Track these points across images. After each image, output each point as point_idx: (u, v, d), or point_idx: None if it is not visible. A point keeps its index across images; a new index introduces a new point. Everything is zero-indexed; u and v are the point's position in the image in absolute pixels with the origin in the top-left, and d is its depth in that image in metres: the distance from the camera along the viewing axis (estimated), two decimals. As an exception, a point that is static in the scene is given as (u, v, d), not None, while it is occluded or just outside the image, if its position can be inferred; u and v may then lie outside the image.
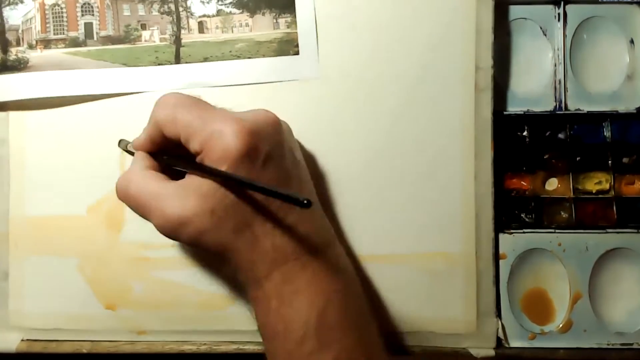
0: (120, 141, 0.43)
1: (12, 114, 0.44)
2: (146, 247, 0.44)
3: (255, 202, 0.34)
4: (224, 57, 0.44)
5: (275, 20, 0.45)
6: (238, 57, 0.44)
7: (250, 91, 0.44)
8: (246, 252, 0.35)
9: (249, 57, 0.44)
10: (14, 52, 0.45)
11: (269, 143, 0.35)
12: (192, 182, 0.35)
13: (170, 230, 0.34)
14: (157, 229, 0.35)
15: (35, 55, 0.45)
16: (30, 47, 0.45)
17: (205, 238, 0.34)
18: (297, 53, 0.44)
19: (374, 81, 0.44)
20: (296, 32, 0.44)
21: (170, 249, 0.43)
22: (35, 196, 0.44)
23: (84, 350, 0.44)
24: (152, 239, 0.43)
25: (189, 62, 0.44)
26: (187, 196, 0.34)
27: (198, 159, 0.35)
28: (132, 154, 0.40)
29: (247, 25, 0.45)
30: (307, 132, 0.43)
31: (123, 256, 0.44)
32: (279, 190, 0.31)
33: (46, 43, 0.45)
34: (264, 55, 0.44)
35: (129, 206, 0.36)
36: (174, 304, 0.44)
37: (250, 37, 0.45)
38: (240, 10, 0.45)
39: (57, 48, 0.45)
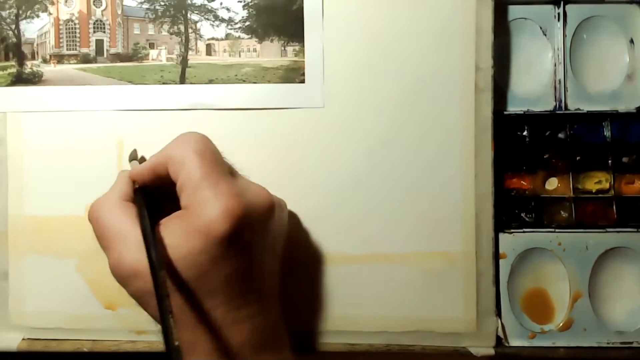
0: (131, 152, 0.42)
1: (10, 114, 0.44)
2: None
3: (211, 289, 0.32)
4: (229, 81, 0.44)
5: (283, 48, 0.45)
6: (243, 82, 0.44)
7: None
8: (182, 332, 0.32)
9: (255, 82, 0.44)
10: (29, 66, 0.45)
11: (253, 231, 0.34)
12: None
13: (120, 277, 0.33)
14: (110, 269, 0.34)
15: (49, 70, 0.45)
16: (45, 61, 0.45)
17: (148, 299, 0.33)
18: (302, 81, 0.44)
19: (369, 81, 0.44)
20: (303, 61, 0.44)
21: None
22: (33, 196, 0.44)
23: (85, 349, 0.44)
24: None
25: (194, 83, 0.44)
26: None
27: (181, 212, 0.33)
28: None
29: (254, 50, 0.45)
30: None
31: (123, 256, 0.44)
32: (168, 323, 0.29)
33: (59, 58, 0.45)
34: (269, 81, 0.44)
35: (94, 232, 0.35)
36: (174, 303, 0.43)
37: (257, 63, 0.45)
38: (249, 36, 0.45)
39: (70, 63, 0.45)
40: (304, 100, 0.44)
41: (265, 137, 0.44)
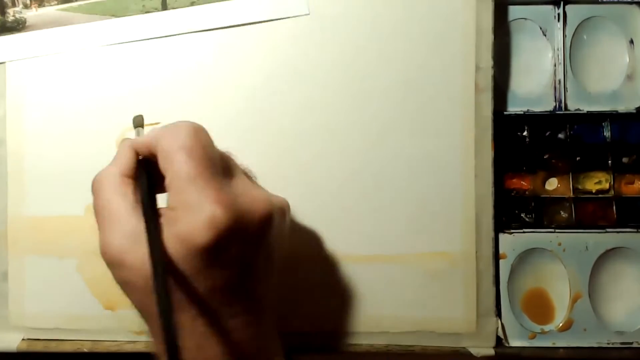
0: (136, 117, 0.38)
1: (10, 114, 0.44)
2: (146, 247, 0.43)
3: (191, 299, 0.30)
4: (211, 0, 0.44)
5: None
6: None
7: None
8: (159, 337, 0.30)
9: None
10: (11, 13, 0.45)
11: (241, 243, 0.30)
12: None
13: (106, 261, 0.31)
14: (99, 249, 0.31)
15: (31, 15, 0.45)
16: (26, 6, 0.45)
17: (130, 291, 0.31)
18: None
19: (369, 81, 0.44)
20: None
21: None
22: (33, 196, 0.44)
23: (85, 350, 0.44)
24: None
25: (176, 8, 0.44)
26: (139, 243, 0.29)
27: (166, 213, 0.30)
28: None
29: None
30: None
31: (123, 256, 0.43)
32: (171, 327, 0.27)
33: (40, 1, 0.45)
34: None
35: (93, 204, 0.32)
36: (174, 303, 0.43)
37: None
38: None
39: (50, 5, 0.45)
40: (289, 9, 0.43)
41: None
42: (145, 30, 0.44)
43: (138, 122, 0.38)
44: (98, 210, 0.32)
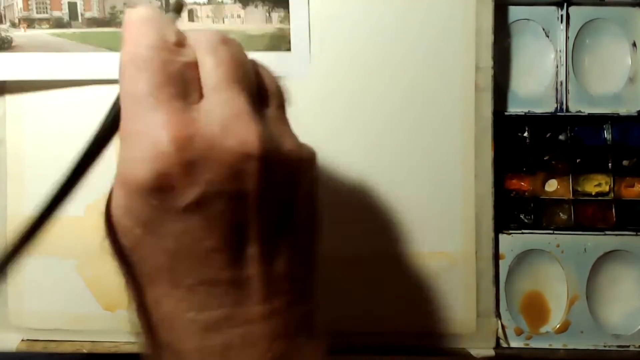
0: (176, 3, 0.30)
1: (10, 113, 0.44)
2: (146, 247, 0.43)
3: (149, 272, 0.23)
4: None
5: (267, 14, 0.44)
6: None
7: None
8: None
9: None
10: None
11: (209, 178, 0.22)
12: None
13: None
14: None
15: (19, 35, 0.43)
16: (14, 25, 0.43)
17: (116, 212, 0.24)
18: (288, 49, 0.43)
19: (369, 81, 0.43)
20: (289, 28, 0.43)
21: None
22: (33, 196, 0.44)
23: (84, 350, 0.44)
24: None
25: None
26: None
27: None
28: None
29: (239, 17, 0.44)
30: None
31: (122, 256, 0.43)
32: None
33: (30, 22, 0.43)
34: (254, 50, 0.43)
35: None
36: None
37: (242, 30, 0.44)
38: (233, 1, 0.44)
39: (42, 28, 0.43)
40: (291, 69, 0.43)
41: None
42: None
43: (176, 6, 0.29)
44: (124, 90, 0.24)
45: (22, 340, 0.44)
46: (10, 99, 0.44)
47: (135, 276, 0.23)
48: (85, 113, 0.44)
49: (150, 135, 0.22)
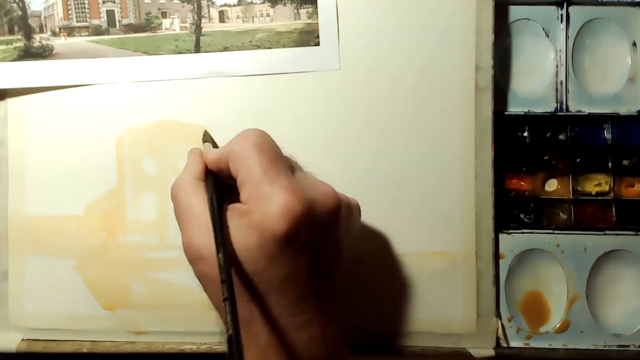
0: (204, 133, 0.42)
1: (11, 114, 0.44)
2: (145, 248, 0.43)
3: (265, 289, 0.31)
4: (244, 47, 0.44)
5: (296, 11, 0.44)
6: (258, 47, 0.44)
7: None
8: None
9: (269, 48, 0.44)
10: (37, 39, 0.44)
11: (312, 231, 0.31)
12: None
13: (188, 257, 0.33)
14: (183, 248, 0.33)
15: (59, 43, 0.44)
16: (54, 34, 0.44)
17: (207, 284, 0.32)
18: (317, 44, 0.44)
19: (369, 81, 0.44)
20: (317, 23, 0.44)
21: (169, 249, 0.43)
22: (33, 196, 0.44)
23: (84, 350, 0.44)
24: (151, 239, 0.43)
25: (209, 51, 0.44)
26: None
27: (240, 206, 0.32)
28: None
29: (268, 15, 0.45)
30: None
31: (122, 257, 0.44)
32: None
33: (70, 30, 0.45)
34: (284, 46, 0.44)
35: (174, 209, 0.35)
36: (173, 304, 0.43)
37: (271, 28, 0.45)
38: (262, 1, 0.45)
39: (81, 36, 0.45)
40: (320, 63, 0.44)
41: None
42: (176, 70, 0.44)
43: (206, 138, 0.41)
44: (178, 212, 0.34)
45: (22, 340, 0.44)
46: (11, 100, 0.44)
47: (249, 291, 0.31)
48: (86, 114, 0.44)
49: (281, 198, 0.31)
